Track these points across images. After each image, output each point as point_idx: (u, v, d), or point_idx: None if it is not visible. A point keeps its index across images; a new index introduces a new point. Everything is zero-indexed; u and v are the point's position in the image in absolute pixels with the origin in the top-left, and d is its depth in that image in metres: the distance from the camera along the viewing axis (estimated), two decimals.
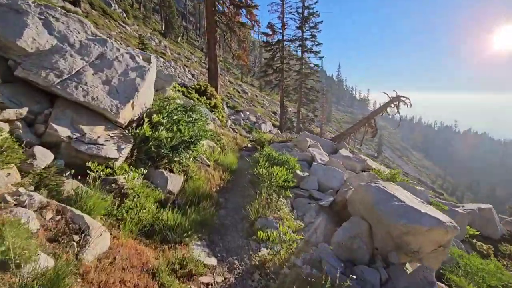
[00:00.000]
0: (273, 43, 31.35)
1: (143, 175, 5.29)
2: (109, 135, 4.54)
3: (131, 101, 4.96)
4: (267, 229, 4.26)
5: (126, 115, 4.94)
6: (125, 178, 4.33)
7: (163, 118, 5.64)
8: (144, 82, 5.33)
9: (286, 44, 31.40)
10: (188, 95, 15.57)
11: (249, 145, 13.78)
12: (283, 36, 30.90)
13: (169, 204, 4.90)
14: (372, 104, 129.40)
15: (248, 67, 77.70)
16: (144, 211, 4.06)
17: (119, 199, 4.17)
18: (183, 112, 6.55)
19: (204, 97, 16.40)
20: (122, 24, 37.57)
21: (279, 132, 32.21)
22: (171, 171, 5.98)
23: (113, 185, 4.27)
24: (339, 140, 20.07)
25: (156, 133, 5.15)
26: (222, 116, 17.49)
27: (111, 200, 3.95)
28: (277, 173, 5.45)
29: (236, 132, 19.97)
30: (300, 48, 31.24)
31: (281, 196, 5.29)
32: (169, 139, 5.23)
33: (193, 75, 41.34)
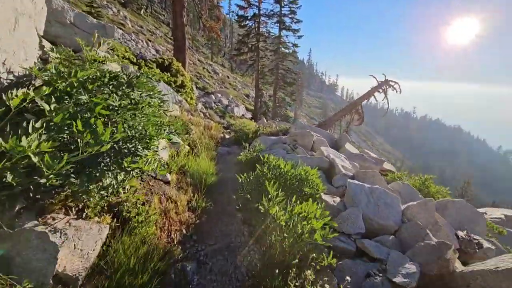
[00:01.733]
0: (248, 17, 27.54)
1: None
2: None
3: None
4: None
5: None
6: None
7: (47, 98, 2.30)
8: None
9: (262, 20, 27.77)
10: (147, 70, 11.77)
11: (226, 136, 10.60)
12: (259, 10, 27.20)
13: None
14: (340, 89, 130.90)
15: (219, 46, 72.32)
16: None
17: None
18: (113, 88, 3.19)
19: (168, 73, 12.69)
20: None
21: (267, 120, 29.17)
22: (79, 212, 2.75)
23: None
24: (324, 128, 17.60)
25: (18, 139, 1.86)
26: (191, 98, 13.96)
27: None
28: (307, 217, 2.56)
29: (208, 117, 16.57)
30: (278, 25, 27.84)
31: (319, 271, 2.43)
32: (53, 159, 1.96)
33: (157, 51, 36.15)
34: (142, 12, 58.32)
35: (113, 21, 37.69)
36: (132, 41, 34.65)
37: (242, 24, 27.94)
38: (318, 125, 17.52)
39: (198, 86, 32.52)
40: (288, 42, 28.10)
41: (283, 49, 28.49)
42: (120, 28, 36.60)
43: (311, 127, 9.02)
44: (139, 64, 11.82)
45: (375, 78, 17.89)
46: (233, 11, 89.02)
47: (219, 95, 32.76)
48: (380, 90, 17.74)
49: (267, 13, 27.28)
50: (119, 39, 32.26)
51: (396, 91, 17.27)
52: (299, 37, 27.81)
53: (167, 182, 4.21)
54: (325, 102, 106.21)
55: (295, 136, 7.05)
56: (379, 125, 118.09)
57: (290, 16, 27.24)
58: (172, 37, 31.04)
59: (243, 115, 32.13)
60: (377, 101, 17.92)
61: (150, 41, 39.94)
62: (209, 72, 44.83)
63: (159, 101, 3.78)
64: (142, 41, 37.98)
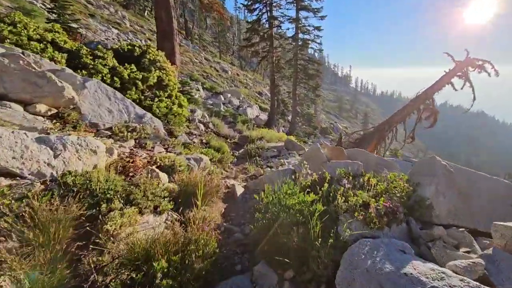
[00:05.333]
0: None
1: None
2: None
3: None
4: None
5: None
6: None
7: None
8: None
9: (275, 1, 21.81)
10: (91, 62, 6.29)
11: (238, 187, 4.91)
12: None
13: None
14: (354, 81, 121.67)
15: (227, 44, 66.86)
16: None
17: None
18: None
19: (133, 67, 7.20)
20: None
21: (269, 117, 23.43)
22: None
23: None
24: (380, 136, 11.67)
25: None
26: (181, 106, 8.37)
27: None
28: None
29: (212, 130, 10.99)
30: (295, 4, 21.76)
31: None
32: None
33: None
34: (146, 13, 53.60)
35: (108, 20, 32.90)
36: (128, 40, 29.84)
37: (252, 8, 22.06)
38: (375, 130, 11.60)
39: (205, 86, 27.11)
40: (309, 26, 21.96)
41: (302, 34, 22.41)
42: (115, 28, 31.84)
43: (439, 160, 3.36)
44: (75, 51, 6.31)
45: (452, 57, 11.72)
46: (239, 7, 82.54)
47: (229, 95, 27.27)
48: (460, 74, 11.56)
49: None
50: (113, 38, 27.40)
51: (489, 74, 11.02)
52: (322, 17, 21.63)
53: None
54: (339, 95, 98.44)
55: None
56: None
57: None
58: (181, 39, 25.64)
59: (257, 116, 26.52)
60: (455, 90, 11.73)
61: (150, 40, 34.93)
62: (217, 71, 39.35)
63: None
64: (141, 40, 33.05)
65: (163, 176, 3.43)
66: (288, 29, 22.97)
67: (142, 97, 7.04)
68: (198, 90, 25.58)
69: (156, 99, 7.31)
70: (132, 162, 3.28)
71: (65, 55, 5.97)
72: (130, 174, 3.03)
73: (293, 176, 4.52)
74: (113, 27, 31.85)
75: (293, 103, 23.92)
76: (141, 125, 4.60)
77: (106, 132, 3.93)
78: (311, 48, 23.26)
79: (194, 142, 7.76)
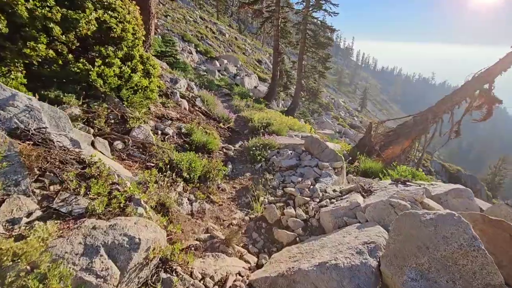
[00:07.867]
0: None
1: None
2: None
3: None
4: None
5: None
6: None
7: None
8: None
9: None
10: None
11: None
12: None
13: None
14: (355, 54, 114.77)
15: (226, 4, 59.80)
16: None
17: None
18: None
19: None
20: None
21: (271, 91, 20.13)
22: None
23: None
24: (420, 129, 8.90)
25: None
26: (149, 75, 5.21)
27: None
28: None
29: (195, 111, 8.00)
30: None
31: None
32: None
33: None
34: None
35: None
36: None
37: None
38: (416, 121, 8.75)
39: (198, 49, 23.09)
40: None
41: None
42: None
43: None
44: None
45: None
46: None
47: (225, 61, 23.53)
48: None
49: None
50: None
51: None
52: None
53: None
54: (339, 68, 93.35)
55: None
56: (395, 93, 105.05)
57: None
58: None
59: (255, 87, 23.17)
60: None
61: None
62: (213, 32, 34.57)
63: None
64: None
65: None
66: None
67: (70, 56, 3.91)
68: (190, 53, 21.70)
69: (100, 62, 4.19)
70: None
71: None
72: None
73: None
74: None
75: (298, 75, 20.52)
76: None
77: None
78: (324, 10, 19.27)
79: (166, 135, 4.83)
